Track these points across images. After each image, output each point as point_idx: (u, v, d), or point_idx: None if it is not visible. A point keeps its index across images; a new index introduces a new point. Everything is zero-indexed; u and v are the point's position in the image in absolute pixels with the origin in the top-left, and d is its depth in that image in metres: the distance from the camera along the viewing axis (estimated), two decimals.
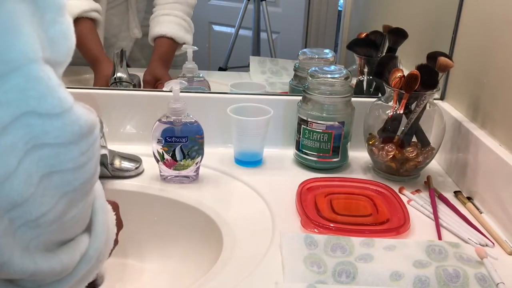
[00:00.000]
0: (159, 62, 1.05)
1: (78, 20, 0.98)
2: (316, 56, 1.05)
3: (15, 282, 0.36)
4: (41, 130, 0.32)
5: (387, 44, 1.00)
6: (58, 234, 0.36)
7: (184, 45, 1.03)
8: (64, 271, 0.38)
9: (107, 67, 1.00)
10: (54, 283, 0.38)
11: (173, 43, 1.05)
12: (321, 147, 0.88)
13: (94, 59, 1.01)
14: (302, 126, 0.89)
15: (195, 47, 1.01)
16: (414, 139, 0.86)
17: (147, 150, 0.85)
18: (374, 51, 1.01)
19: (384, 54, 1.00)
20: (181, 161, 0.83)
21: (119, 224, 0.53)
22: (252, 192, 0.83)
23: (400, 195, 0.82)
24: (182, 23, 1.05)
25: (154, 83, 1.03)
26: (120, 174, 0.85)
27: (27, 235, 0.33)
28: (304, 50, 1.08)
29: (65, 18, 0.35)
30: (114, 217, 0.46)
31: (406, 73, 0.82)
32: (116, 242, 0.50)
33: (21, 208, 0.32)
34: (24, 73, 0.30)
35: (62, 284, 0.38)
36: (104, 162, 0.82)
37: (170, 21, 1.05)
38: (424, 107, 0.83)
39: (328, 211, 0.76)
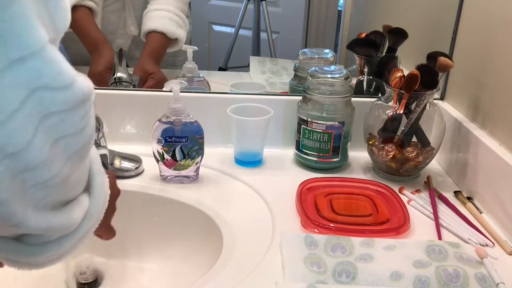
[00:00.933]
0: (149, 57, 1.04)
1: (75, 8, 0.99)
2: (316, 56, 1.05)
3: (21, 239, 0.39)
4: (52, 101, 0.35)
5: (387, 44, 1.00)
6: (63, 194, 0.40)
7: (184, 45, 1.03)
8: (72, 227, 0.42)
9: (109, 49, 1.01)
10: (60, 238, 0.41)
11: (165, 38, 1.04)
12: (321, 147, 0.88)
13: (94, 41, 1.01)
14: (302, 126, 0.89)
15: (195, 47, 1.00)
16: (414, 139, 0.86)
17: (147, 150, 0.85)
18: (374, 51, 1.01)
19: (384, 54, 1.00)
20: (181, 161, 0.83)
21: (117, 192, 0.59)
22: (252, 192, 0.83)
23: (400, 195, 0.82)
24: (174, 18, 1.04)
25: (145, 78, 1.02)
26: (120, 174, 0.85)
27: (37, 195, 0.36)
28: (304, 50, 1.08)
29: (65, 3, 0.39)
30: (107, 180, 0.50)
31: (406, 73, 0.82)
32: (114, 209, 0.57)
33: (33, 172, 0.35)
34: (41, 55, 0.34)
35: (67, 239, 0.42)
36: (104, 162, 0.82)
37: (162, 16, 1.04)
38: (424, 107, 0.83)
39: (328, 211, 0.76)
